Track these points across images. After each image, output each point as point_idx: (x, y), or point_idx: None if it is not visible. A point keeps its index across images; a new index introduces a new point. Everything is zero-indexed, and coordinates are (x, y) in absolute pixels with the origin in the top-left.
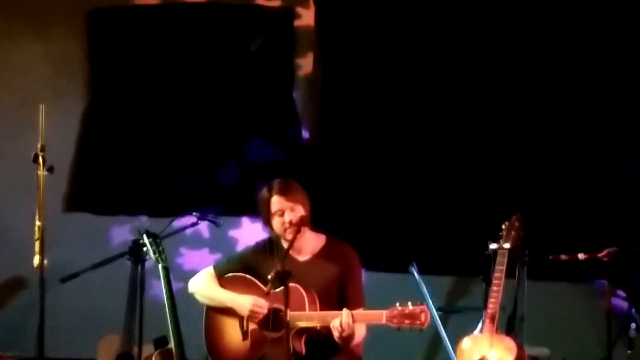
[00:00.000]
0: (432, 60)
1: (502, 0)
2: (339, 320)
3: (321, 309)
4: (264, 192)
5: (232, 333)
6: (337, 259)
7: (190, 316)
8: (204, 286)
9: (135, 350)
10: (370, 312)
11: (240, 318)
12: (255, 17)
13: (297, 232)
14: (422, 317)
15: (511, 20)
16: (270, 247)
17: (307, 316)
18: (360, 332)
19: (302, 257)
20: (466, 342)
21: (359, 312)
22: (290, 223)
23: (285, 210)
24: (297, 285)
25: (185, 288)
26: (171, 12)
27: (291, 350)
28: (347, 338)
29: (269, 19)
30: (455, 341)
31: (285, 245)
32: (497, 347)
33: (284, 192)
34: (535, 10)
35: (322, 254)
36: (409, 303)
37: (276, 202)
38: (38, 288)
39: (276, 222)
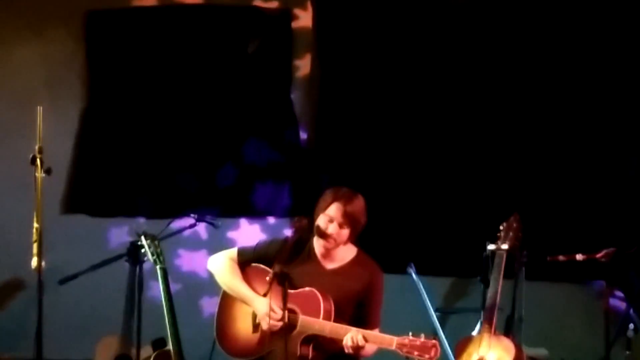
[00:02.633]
0: (430, 61)
1: (501, 2)
2: (350, 338)
3: (334, 320)
4: (330, 193)
5: (243, 322)
6: (363, 274)
7: (189, 317)
8: (225, 273)
9: (134, 351)
10: (382, 336)
11: (253, 311)
12: (252, 18)
13: (331, 247)
14: (432, 352)
15: (511, 22)
16: (297, 246)
17: (319, 325)
18: (371, 347)
19: (330, 265)
20: (465, 344)
21: (372, 333)
22: (330, 236)
23: (335, 221)
24: (315, 291)
25: (183, 289)
26: (169, 14)
27: (297, 353)
28: (356, 354)
29: (266, 20)
30: (454, 342)
31: (316, 247)
32: (496, 348)
33: (345, 205)
34: (535, 12)
35: (350, 266)
36: (422, 335)
37: (334, 209)
38: (36, 290)
39: (321, 221)
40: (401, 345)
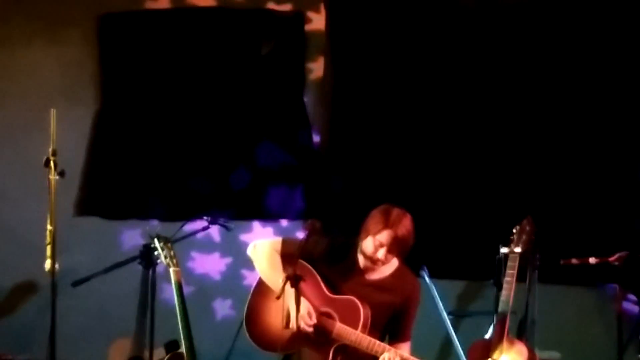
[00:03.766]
0: (443, 64)
1: (513, 5)
2: (388, 359)
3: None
4: (381, 216)
5: (275, 315)
6: (403, 288)
7: (201, 320)
8: (265, 263)
9: (146, 354)
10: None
11: (288, 307)
12: (266, 21)
13: (376, 268)
14: None
15: (524, 25)
16: (341, 251)
17: (356, 337)
18: None
19: (371, 276)
20: (478, 347)
21: (410, 357)
22: (378, 260)
23: (385, 247)
24: (356, 300)
25: (196, 291)
26: (182, 17)
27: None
28: None
29: (279, 23)
30: (466, 345)
31: (360, 258)
32: (509, 352)
33: (397, 231)
34: (549, 15)
35: (391, 279)
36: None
37: (385, 235)
38: (49, 292)
39: (369, 244)
40: None
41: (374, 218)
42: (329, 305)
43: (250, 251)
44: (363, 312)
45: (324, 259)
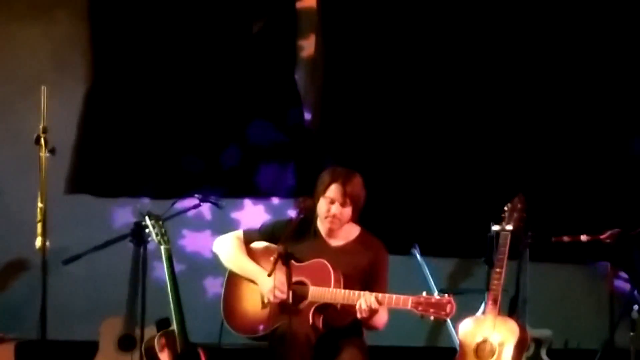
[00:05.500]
0: (434, 42)
1: None
2: (364, 301)
3: None
4: (327, 175)
5: (251, 299)
6: (367, 250)
7: (193, 298)
8: (231, 251)
9: (138, 332)
10: (396, 296)
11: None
12: None
13: (336, 227)
14: (448, 308)
15: (513, 14)
16: (303, 226)
17: (331, 293)
18: (383, 317)
19: (335, 243)
20: (469, 324)
21: (385, 294)
22: (334, 216)
23: (337, 202)
24: (324, 261)
25: (188, 269)
26: None
27: (310, 322)
28: (369, 317)
29: (271, 0)
30: (458, 323)
31: (320, 227)
32: (500, 329)
33: (344, 184)
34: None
35: (354, 243)
36: (435, 293)
37: (333, 189)
38: (40, 270)
39: (322, 205)
40: (417, 304)
41: (320, 179)
42: (299, 274)
43: (214, 247)
44: (332, 269)
45: (286, 237)
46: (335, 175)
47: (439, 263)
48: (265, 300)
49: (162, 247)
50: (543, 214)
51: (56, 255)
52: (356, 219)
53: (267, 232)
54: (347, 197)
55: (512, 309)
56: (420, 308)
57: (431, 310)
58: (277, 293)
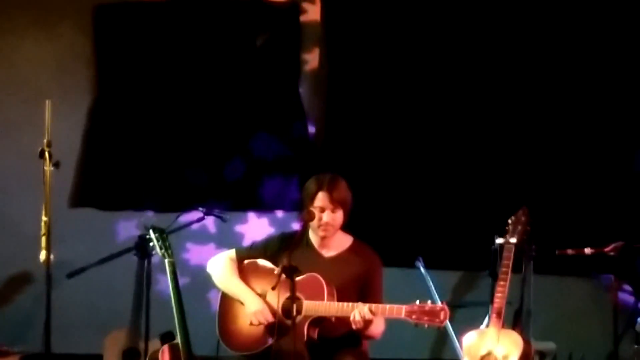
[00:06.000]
0: (438, 55)
1: None
2: (358, 312)
3: None
4: (312, 183)
5: (245, 317)
6: (360, 260)
7: (197, 311)
8: (222, 272)
9: (142, 345)
10: (389, 306)
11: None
12: (261, 12)
13: (330, 234)
14: (442, 316)
15: (519, 14)
16: (296, 239)
17: (324, 306)
18: (379, 326)
19: (328, 253)
20: (473, 337)
21: (379, 305)
22: (327, 224)
23: (327, 209)
24: (317, 275)
25: (192, 283)
26: (177, 8)
27: (305, 337)
28: (364, 328)
29: (275, 14)
30: (462, 336)
31: (312, 237)
32: (504, 342)
33: (331, 191)
34: (541, 5)
35: (348, 253)
36: (429, 301)
37: (321, 198)
38: (44, 283)
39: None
40: (410, 313)
41: (305, 190)
42: (290, 289)
43: (208, 268)
44: (325, 282)
45: (280, 252)
46: (320, 184)
47: (443, 276)
48: (248, 323)
49: (166, 261)
50: (547, 226)
51: (60, 268)
52: (346, 221)
53: (259, 249)
54: (336, 203)
55: (516, 321)
56: (414, 317)
57: (425, 318)
58: (261, 318)
